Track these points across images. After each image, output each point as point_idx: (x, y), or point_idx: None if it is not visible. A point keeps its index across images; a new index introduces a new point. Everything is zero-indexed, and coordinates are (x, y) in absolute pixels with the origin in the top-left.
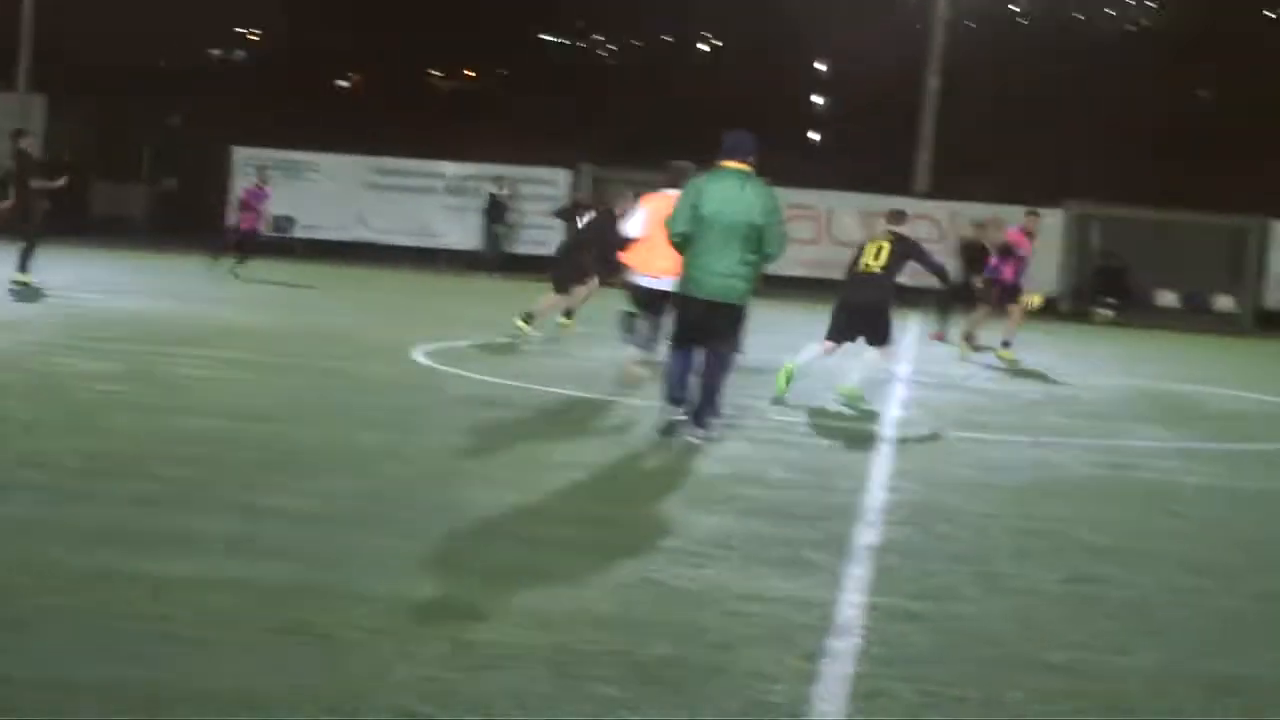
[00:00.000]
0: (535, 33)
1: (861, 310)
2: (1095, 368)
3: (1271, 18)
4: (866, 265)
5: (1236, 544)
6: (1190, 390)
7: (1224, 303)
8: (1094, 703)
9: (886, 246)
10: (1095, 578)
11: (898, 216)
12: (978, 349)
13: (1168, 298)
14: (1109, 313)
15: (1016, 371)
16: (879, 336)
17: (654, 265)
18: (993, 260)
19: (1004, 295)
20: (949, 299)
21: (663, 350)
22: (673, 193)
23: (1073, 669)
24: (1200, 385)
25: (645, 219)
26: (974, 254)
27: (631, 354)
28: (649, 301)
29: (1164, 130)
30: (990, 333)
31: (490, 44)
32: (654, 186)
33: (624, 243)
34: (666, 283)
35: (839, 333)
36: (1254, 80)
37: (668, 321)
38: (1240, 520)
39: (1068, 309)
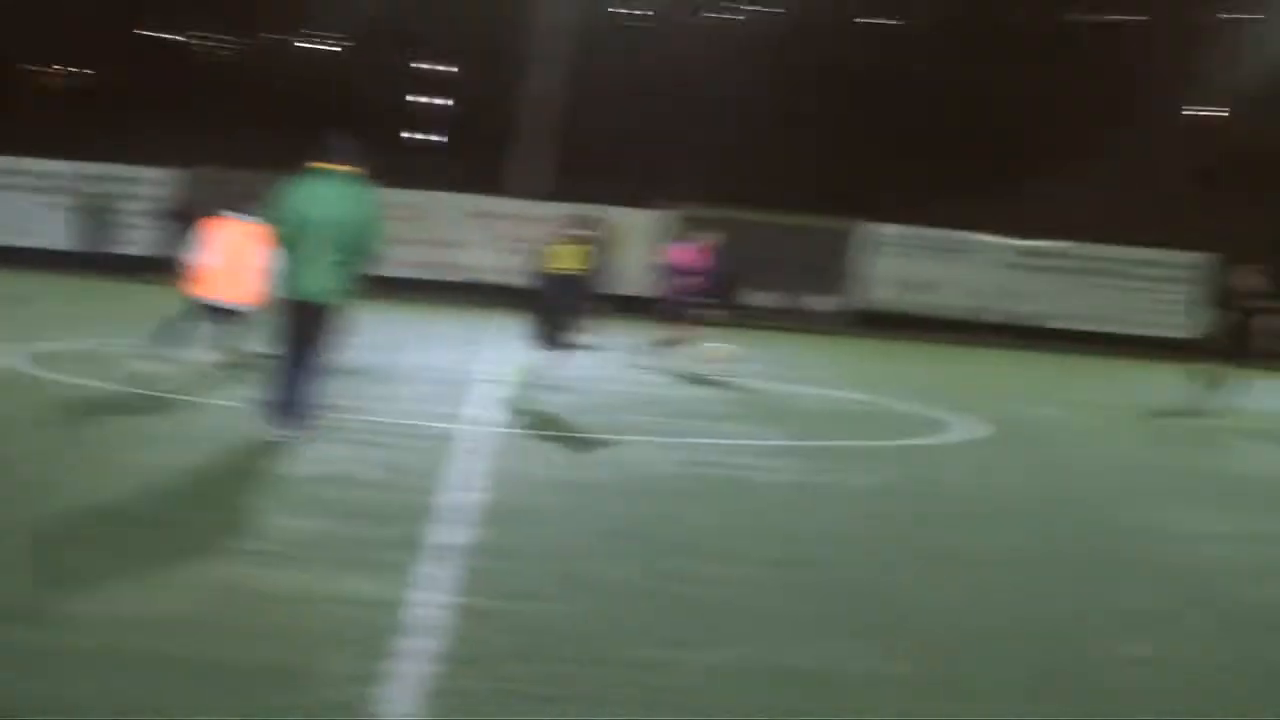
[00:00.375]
0: (145, 29)
1: (558, 308)
2: (689, 367)
3: (866, 23)
4: (565, 266)
5: (810, 539)
6: (781, 389)
7: (822, 302)
8: (671, 698)
9: (587, 249)
10: (678, 575)
11: (586, 222)
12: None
13: (769, 297)
14: (712, 313)
15: (612, 372)
16: (559, 334)
17: (228, 291)
18: (682, 282)
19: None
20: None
21: (243, 351)
22: (248, 219)
23: (653, 665)
24: (792, 384)
25: (220, 245)
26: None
27: (191, 355)
28: (219, 316)
29: (768, 132)
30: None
31: (100, 41)
32: (258, 187)
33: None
34: (241, 306)
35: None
36: (854, 81)
37: (248, 328)
38: (820, 516)
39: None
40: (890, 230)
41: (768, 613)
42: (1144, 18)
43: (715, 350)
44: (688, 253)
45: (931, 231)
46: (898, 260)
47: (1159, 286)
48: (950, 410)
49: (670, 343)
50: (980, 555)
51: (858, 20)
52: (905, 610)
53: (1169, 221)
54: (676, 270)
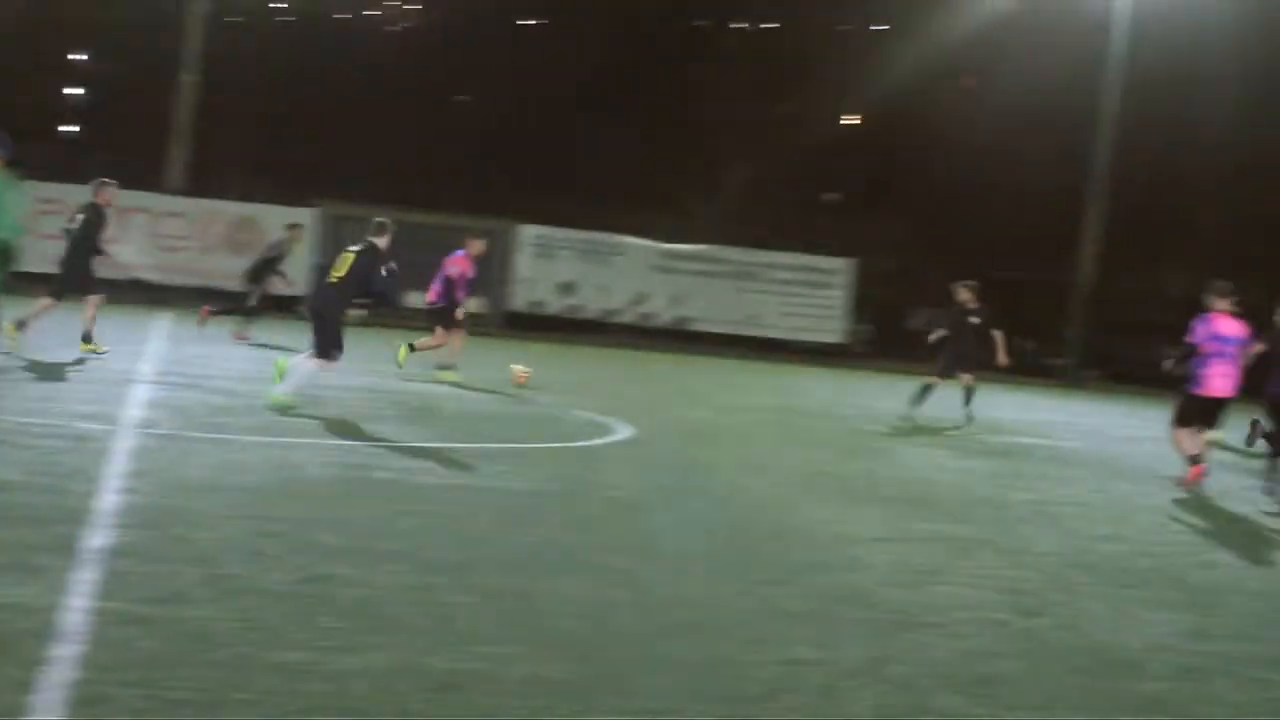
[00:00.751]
0: None
1: (315, 315)
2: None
3: (527, 23)
4: (332, 275)
5: (467, 541)
6: (429, 390)
7: (474, 303)
8: (319, 703)
9: (351, 257)
10: (328, 578)
11: (379, 227)
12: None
13: (419, 298)
14: (361, 313)
15: (263, 371)
16: (321, 343)
17: None
18: (438, 289)
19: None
20: (255, 301)
21: None
22: None
23: (300, 669)
24: (447, 386)
25: None
26: (277, 259)
27: None
28: None
29: (424, 132)
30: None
31: None
32: None
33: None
34: None
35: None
36: (507, 82)
37: None
38: (472, 518)
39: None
40: (538, 232)
41: (423, 615)
42: (775, 25)
43: (519, 370)
44: (462, 260)
45: (578, 233)
46: (546, 262)
47: (805, 291)
48: (601, 412)
49: (435, 348)
50: (635, 557)
51: (519, 23)
52: (562, 613)
53: (813, 226)
54: (453, 277)
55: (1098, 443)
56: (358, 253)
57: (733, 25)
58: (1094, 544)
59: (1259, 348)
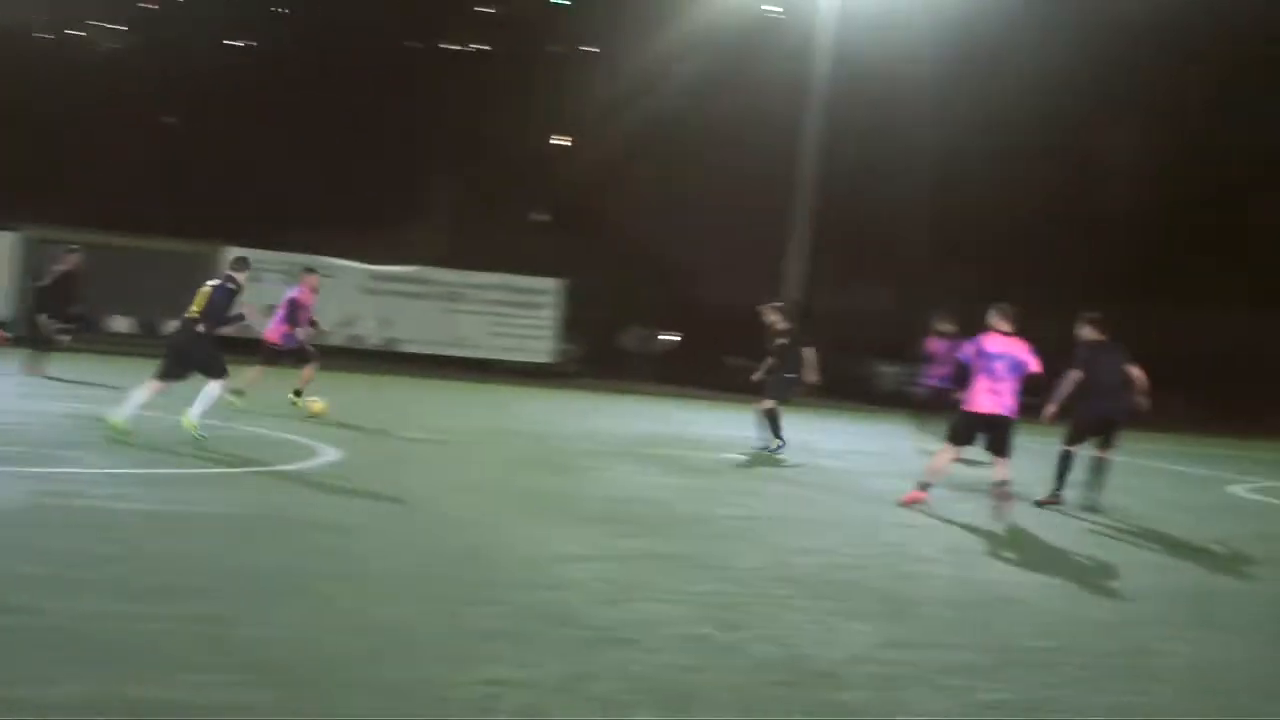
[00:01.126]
0: None
1: (177, 351)
2: (37, 392)
3: (234, 44)
4: (190, 311)
5: (168, 568)
6: (141, 416)
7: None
8: None
9: (208, 291)
10: (26, 608)
11: (239, 263)
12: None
13: (123, 323)
14: (64, 338)
15: None
16: (205, 369)
17: None
18: (286, 328)
19: (299, 353)
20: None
21: None
22: None
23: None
24: (150, 410)
25: None
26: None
27: None
28: None
29: (133, 155)
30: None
31: None
32: None
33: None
34: None
35: (166, 374)
36: (214, 100)
37: None
38: (175, 545)
39: (23, 334)
40: (243, 254)
41: (123, 644)
42: (486, 47)
43: (314, 403)
44: (307, 294)
45: (283, 255)
46: (252, 285)
47: (514, 311)
48: (308, 435)
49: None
50: (340, 581)
51: (226, 42)
52: (265, 639)
53: (522, 246)
54: (304, 304)
55: (803, 457)
56: (215, 286)
57: (443, 46)
58: (796, 557)
59: (1077, 374)
